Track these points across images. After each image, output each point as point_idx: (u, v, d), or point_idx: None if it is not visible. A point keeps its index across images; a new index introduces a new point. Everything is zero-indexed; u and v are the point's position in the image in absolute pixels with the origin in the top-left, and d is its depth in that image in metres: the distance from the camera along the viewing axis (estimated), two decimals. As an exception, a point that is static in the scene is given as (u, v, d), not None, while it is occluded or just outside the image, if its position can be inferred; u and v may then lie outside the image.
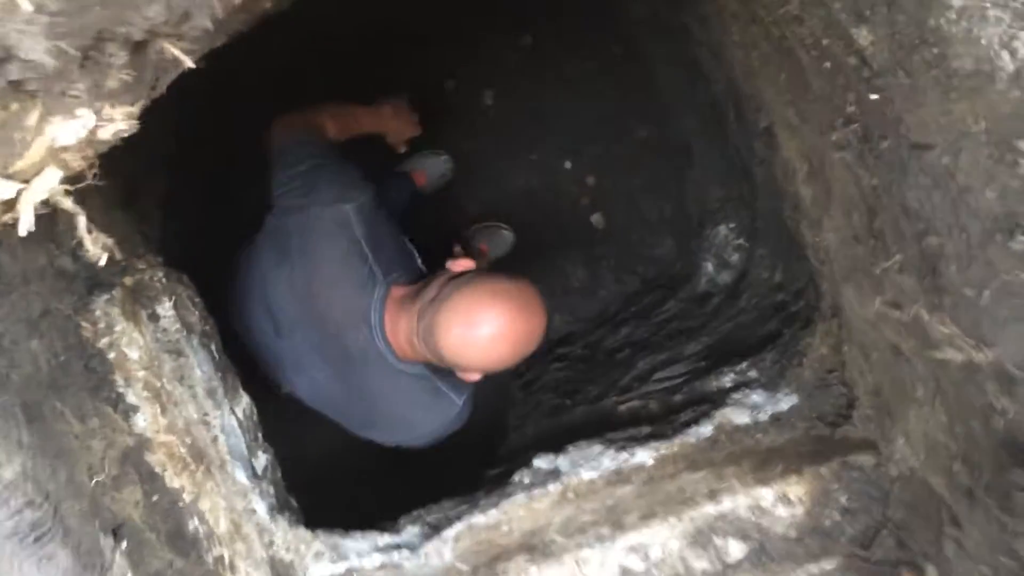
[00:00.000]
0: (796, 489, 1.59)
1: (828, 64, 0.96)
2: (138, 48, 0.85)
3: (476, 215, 3.39)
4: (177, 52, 0.84)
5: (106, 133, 0.88)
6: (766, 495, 1.59)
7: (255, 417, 1.96)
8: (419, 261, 1.98)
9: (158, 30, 0.80)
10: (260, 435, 1.95)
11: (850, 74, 0.91)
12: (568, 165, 3.36)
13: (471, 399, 1.96)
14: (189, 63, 0.86)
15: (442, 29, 3.20)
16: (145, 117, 1.09)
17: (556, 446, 1.96)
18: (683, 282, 2.90)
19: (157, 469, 1.59)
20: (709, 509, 1.60)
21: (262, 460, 1.91)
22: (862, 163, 0.98)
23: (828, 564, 1.56)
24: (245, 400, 1.93)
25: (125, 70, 0.83)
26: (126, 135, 0.94)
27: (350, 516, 2.57)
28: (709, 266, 2.69)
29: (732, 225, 2.63)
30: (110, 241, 0.99)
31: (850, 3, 0.85)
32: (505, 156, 3.36)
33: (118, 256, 1.64)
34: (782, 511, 1.59)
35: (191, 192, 2.58)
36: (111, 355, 1.56)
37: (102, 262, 0.99)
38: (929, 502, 1.24)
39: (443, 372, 1.84)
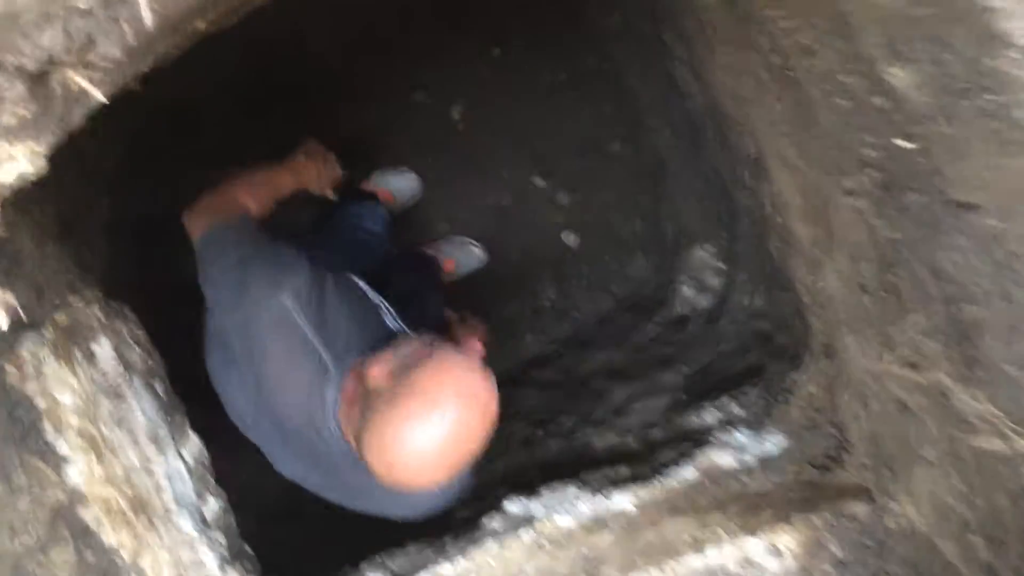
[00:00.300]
0: (786, 539, 1.48)
1: (845, 102, 0.86)
2: (38, 80, 0.72)
3: (444, 234, 3.27)
4: (84, 83, 0.71)
5: (7, 175, 0.75)
6: (754, 545, 1.49)
7: (206, 460, 1.82)
8: (389, 317, 1.83)
9: (58, 59, 0.68)
10: (211, 478, 1.81)
11: (874, 116, 0.81)
12: (540, 182, 3.25)
13: (469, 472, 1.72)
14: (100, 97, 0.73)
15: (407, 39, 3.07)
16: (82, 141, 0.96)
17: (528, 485, 1.84)
18: (659, 304, 2.80)
19: (92, 525, 1.45)
20: (694, 561, 1.50)
21: (213, 506, 1.78)
22: (880, 213, 0.88)
23: (821, 620, 1.46)
24: (194, 441, 1.80)
25: (23, 104, 0.70)
26: (34, 178, 0.81)
27: (311, 554, 2.44)
28: (686, 289, 2.59)
29: (710, 247, 2.53)
30: (12, 300, 0.86)
31: (884, 37, 0.74)
32: (474, 173, 3.24)
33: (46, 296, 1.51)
34: (772, 563, 1.49)
35: (144, 207, 2.44)
36: (40, 402, 1.42)
37: (3, 326, 0.85)
38: (935, 565, 1.14)
39: None
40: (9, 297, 0.83)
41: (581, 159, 3.22)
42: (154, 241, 2.17)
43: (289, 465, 1.76)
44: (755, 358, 1.98)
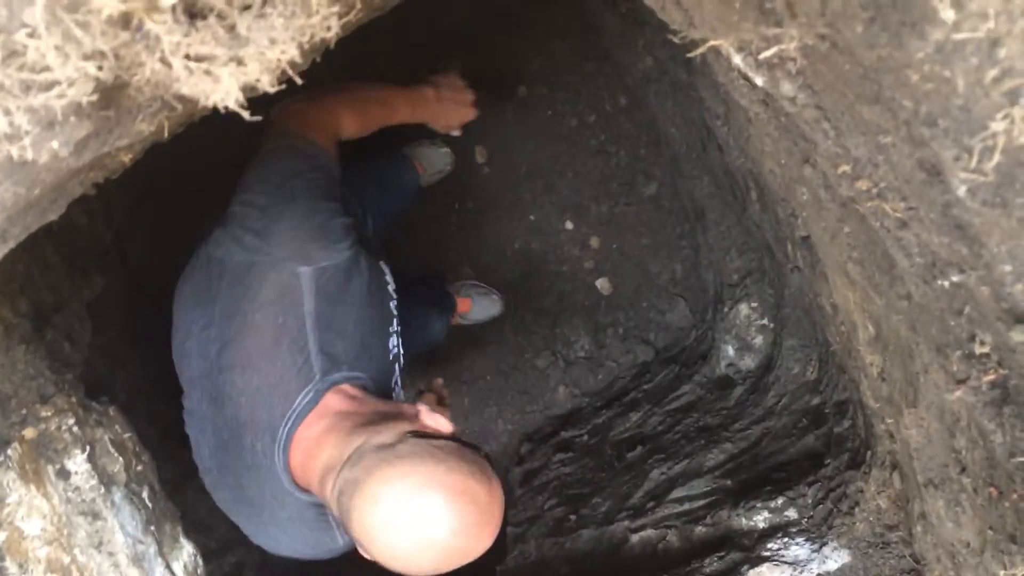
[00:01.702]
0: None
1: (945, 284, 0.66)
2: None
3: (468, 278, 3.10)
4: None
5: None
6: None
7: (200, 569, 1.66)
8: (394, 337, 1.60)
9: None
10: (206, 591, 1.65)
11: (987, 310, 0.61)
12: (569, 226, 3.06)
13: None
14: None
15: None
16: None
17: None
18: (700, 360, 2.59)
19: (62, 674, 1.29)
20: None
21: (207, 625, 1.61)
22: (996, 419, 0.69)
23: None
24: (187, 551, 1.64)
25: None
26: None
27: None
28: (729, 348, 2.39)
29: (754, 304, 2.33)
30: None
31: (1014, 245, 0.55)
32: (501, 217, 3.06)
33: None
34: None
35: (140, 277, 2.29)
36: (1, 537, 1.26)
37: None
38: None
39: None
40: None
41: (613, 202, 3.03)
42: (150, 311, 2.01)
43: (204, 450, 1.49)
44: (811, 443, 1.77)
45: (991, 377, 0.66)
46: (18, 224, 0.61)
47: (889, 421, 1.05)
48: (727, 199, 2.33)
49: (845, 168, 0.70)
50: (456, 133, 2.21)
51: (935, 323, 0.72)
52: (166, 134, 0.70)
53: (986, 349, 0.67)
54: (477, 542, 1.18)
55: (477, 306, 3.03)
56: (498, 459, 3.15)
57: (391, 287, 1.63)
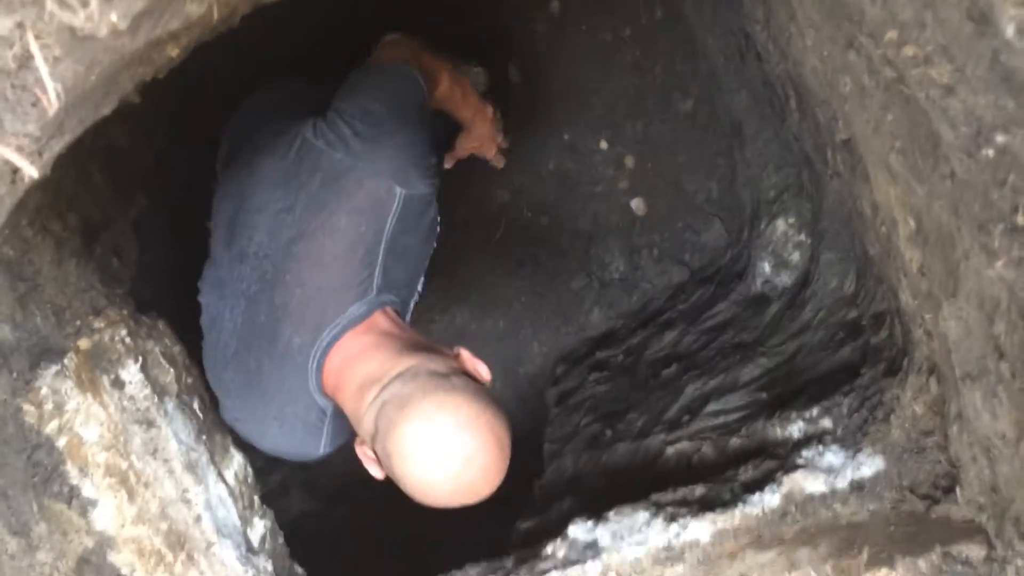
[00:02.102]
0: (888, 585, 1.31)
1: (989, 152, 0.66)
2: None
3: (503, 204, 3.10)
4: (11, 156, 0.56)
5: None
6: (851, 592, 1.31)
7: (250, 478, 1.72)
8: (416, 299, 1.66)
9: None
10: (256, 498, 1.72)
11: None
12: (604, 145, 3.03)
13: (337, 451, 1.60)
14: (30, 171, 0.58)
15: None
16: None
17: (594, 500, 1.69)
18: (735, 279, 2.59)
19: (124, 570, 1.36)
20: (781, 608, 1.33)
21: (259, 528, 1.68)
22: None
23: None
24: (237, 460, 1.70)
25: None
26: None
27: (368, 561, 2.36)
28: (766, 265, 2.38)
29: (791, 220, 2.31)
30: None
31: None
32: (534, 137, 3.04)
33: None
34: (870, 610, 1.31)
35: (182, 201, 2.32)
36: (61, 441, 1.32)
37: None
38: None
39: (343, 420, 1.48)
40: None
41: (649, 120, 2.99)
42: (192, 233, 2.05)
43: (227, 323, 1.54)
44: (847, 355, 1.78)
45: (1032, 248, 0.67)
46: (74, 116, 0.63)
47: (927, 317, 1.06)
48: (765, 112, 2.29)
49: (892, 35, 0.70)
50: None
51: (978, 200, 0.72)
52: (215, 17, 0.71)
53: None
54: (489, 488, 1.30)
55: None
56: (534, 381, 3.19)
57: (437, 233, 1.68)
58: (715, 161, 2.97)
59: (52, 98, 0.53)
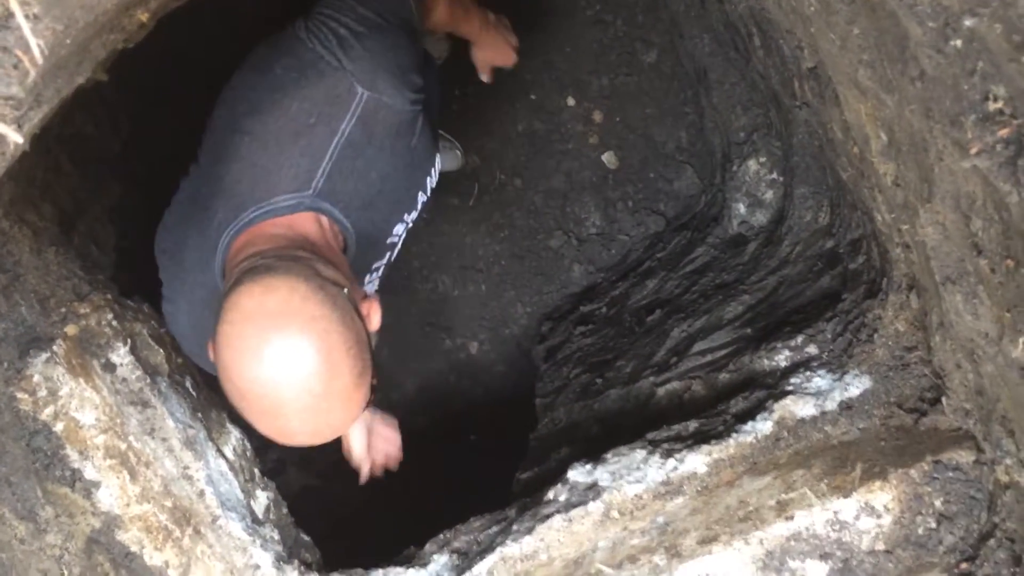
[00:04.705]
0: (882, 497, 1.34)
1: (957, 43, 0.67)
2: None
3: (474, 166, 3.10)
4: (-7, 121, 0.56)
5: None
6: (847, 507, 1.35)
7: (249, 452, 1.73)
8: (392, 248, 1.58)
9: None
10: (257, 471, 1.73)
11: (1000, 54, 0.62)
12: (571, 102, 3.04)
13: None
14: (15, 136, 0.58)
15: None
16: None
17: (591, 447, 1.72)
18: (711, 223, 2.61)
19: (133, 548, 1.37)
20: (780, 528, 1.37)
21: (262, 500, 1.69)
22: (1011, 178, 0.70)
23: (927, 581, 1.33)
24: (234, 435, 1.71)
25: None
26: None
27: (371, 530, 2.38)
28: (740, 206, 2.40)
29: (763, 159, 2.33)
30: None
31: None
32: (502, 100, 3.04)
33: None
34: (866, 522, 1.35)
35: (156, 185, 2.31)
36: (58, 426, 1.33)
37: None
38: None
39: None
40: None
41: (614, 74, 3.00)
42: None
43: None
44: (827, 283, 1.81)
45: (1005, 131, 0.68)
46: (51, 85, 0.63)
47: (904, 228, 1.08)
48: (729, 55, 2.30)
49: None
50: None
51: (948, 95, 0.74)
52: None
53: (999, 105, 0.68)
54: (317, 411, 1.10)
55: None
56: (520, 341, 3.22)
57: (431, 182, 1.61)
58: (683, 109, 2.98)
59: (36, 55, 0.53)
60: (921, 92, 0.78)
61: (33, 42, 0.51)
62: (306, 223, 1.29)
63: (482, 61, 2.10)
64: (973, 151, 0.72)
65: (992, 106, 0.68)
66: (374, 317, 1.23)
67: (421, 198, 1.59)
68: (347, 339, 1.10)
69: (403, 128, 1.39)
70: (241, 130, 1.33)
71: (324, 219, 1.32)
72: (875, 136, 1.01)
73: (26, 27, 0.50)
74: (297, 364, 1.06)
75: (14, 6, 0.50)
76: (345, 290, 1.17)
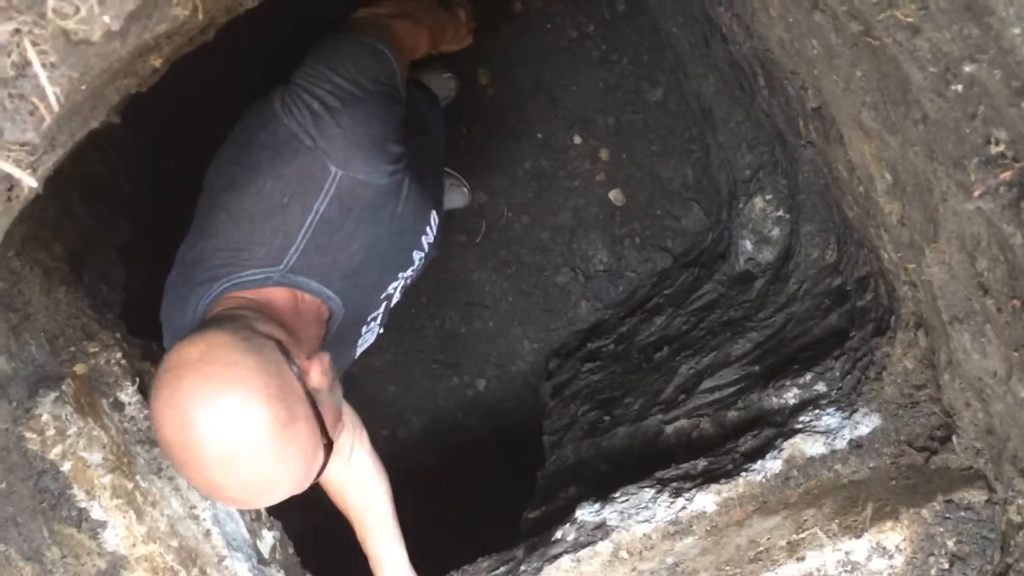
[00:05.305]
0: (893, 536, 1.33)
1: (958, 88, 0.68)
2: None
3: (482, 203, 3.12)
4: (9, 168, 0.57)
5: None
6: (858, 547, 1.34)
7: (256, 490, 1.72)
8: (389, 299, 1.57)
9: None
10: (263, 511, 1.72)
11: (1000, 99, 0.63)
12: (578, 140, 3.06)
13: None
14: (29, 181, 0.59)
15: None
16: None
17: (599, 484, 1.71)
18: (719, 259, 2.62)
19: (139, 589, 1.36)
20: (791, 569, 1.35)
21: (268, 540, 1.69)
22: (1015, 220, 0.71)
23: (941, 624, 1.31)
24: (241, 474, 1.69)
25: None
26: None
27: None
28: (747, 243, 2.41)
29: (768, 196, 2.34)
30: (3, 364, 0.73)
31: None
32: (509, 138, 3.07)
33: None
34: (878, 563, 1.34)
35: (164, 224, 2.33)
36: (66, 466, 1.33)
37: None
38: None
39: None
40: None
41: (620, 112, 3.02)
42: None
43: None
44: (835, 321, 1.81)
45: (1007, 174, 0.68)
46: (65, 129, 0.64)
47: (911, 267, 1.08)
48: (734, 94, 2.32)
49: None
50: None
51: (950, 138, 0.74)
52: (200, 19, 0.71)
53: (1001, 148, 0.69)
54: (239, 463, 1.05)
55: (446, 198, 2.89)
56: (527, 378, 3.21)
57: (427, 239, 1.59)
58: (688, 147, 3.00)
59: (52, 102, 0.54)
60: (924, 134, 0.79)
61: (49, 90, 0.52)
62: (275, 295, 1.28)
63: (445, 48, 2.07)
64: (976, 193, 0.72)
65: (994, 149, 0.69)
66: (313, 372, 1.17)
67: (417, 256, 1.58)
68: (269, 386, 1.07)
69: (384, 199, 1.37)
70: (219, 206, 1.33)
71: (299, 292, 1.31)
72: (880, 176, 1.02)
73: (43, 75, 0.52)
74: (212, 408, 1.03)
75: (31, 55, 0.51)
76: (278, 343, 1.14)
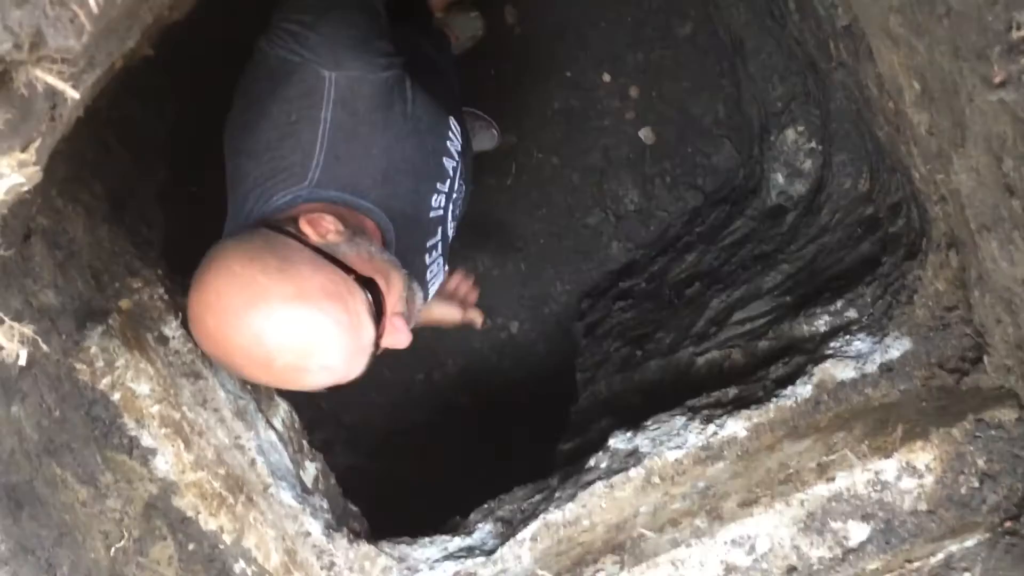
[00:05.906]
0: (923, 456, 1.34)
1: None
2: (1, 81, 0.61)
3: (512, 144, 3.11)
4: (53, 80, 0.60)
5: (-5, 193, 0.65)
6: (888, 467, 1.35)
7: (297, 424, 1.78)
8: (442, 222, 1.58)
9: (10, 58, 0.56)
10: (305, 443, 1.77)
11: None
12: (607, 78, 3.04)
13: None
14: (73, 93, 0.62)
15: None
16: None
17: (631, 416, 1.74)
18: (750, 195, 2.60)
19: (189, 513, 1.42)
20: (821, 490, 1.37)
21: (311, 471, 1.74)
22: None
23: (970, 540, 1.32)
24: (283, 407, 1.75)
25: (-9, 112, 0.59)
26: (27, 189, 0.70)
27: (416, 504, 2.42)
28: (779, 176, 2.39)
29: (800, 128, 2.32)
30: (29, 331, 0.77)
31: None
32: (537, 77, 3.05)
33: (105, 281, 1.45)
34: (908, 482, 1.35)
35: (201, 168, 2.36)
36: (115, 396, 1.38)
37: (22, 360, 0.76)
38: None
39: None
40: (22, 329, 0.73)
41: (649, 48, 2.99)
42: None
43: None
44: (867, 249, 1.80)
45: (1028, 61, 0.68)
46: (103, 47, 0.66)
47: (940, 178, 1.08)
48: (765, 23, 2.29)
49: None
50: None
51: (974, 28, 0.74)
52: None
53: (1022, 32, 0.68)
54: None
55: (475, 140, 2.88)
56: (560, 319, 3.24)
57: (453, 145, 1.58)
58: (719, 82, 2.97)
59: (92, 6, 0.56)
60: (948, 30, 0.78)
61: (93, -3, 0.54)
62: (315, 216, 1.30)
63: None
64: (997, 81, 0.72)
65: (1016, 35, 0.69)
66: (399, 335, 1.32)
67: (449, 164, 1.57)
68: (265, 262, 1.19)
69: (388, 98, 1.36)
70: (239, 152, 1.36)
71: (337, 206, 1.34)
72: (908, 86, 1.01)
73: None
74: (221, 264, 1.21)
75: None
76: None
